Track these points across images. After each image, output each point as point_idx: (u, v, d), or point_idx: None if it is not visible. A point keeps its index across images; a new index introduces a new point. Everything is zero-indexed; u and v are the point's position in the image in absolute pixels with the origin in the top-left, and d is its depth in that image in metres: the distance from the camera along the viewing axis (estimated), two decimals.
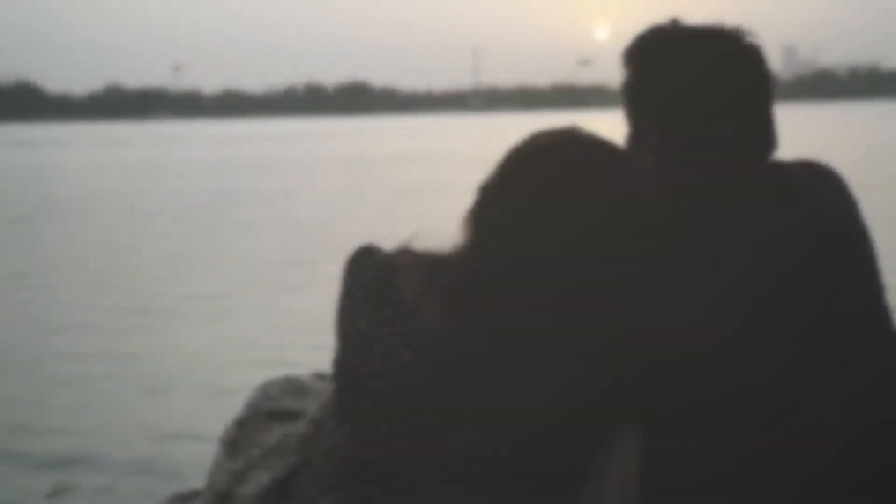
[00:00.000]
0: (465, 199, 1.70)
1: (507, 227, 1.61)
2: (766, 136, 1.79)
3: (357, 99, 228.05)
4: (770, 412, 1.66)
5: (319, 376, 2.23)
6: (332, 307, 1.70)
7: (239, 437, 2.02)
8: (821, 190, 1.77)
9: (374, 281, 1.67)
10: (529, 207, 1.61)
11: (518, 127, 1.75)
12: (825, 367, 1.68)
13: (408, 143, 54.46)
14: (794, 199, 1.72)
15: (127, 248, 13.68)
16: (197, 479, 2.07)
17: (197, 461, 3.68)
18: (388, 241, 1.72)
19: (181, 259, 12.56)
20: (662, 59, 1.78)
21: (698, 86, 1.74)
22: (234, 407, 2.05)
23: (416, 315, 1.64)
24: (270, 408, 2.04)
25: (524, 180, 1.62)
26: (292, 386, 2.11)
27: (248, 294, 9.89)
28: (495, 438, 1.62)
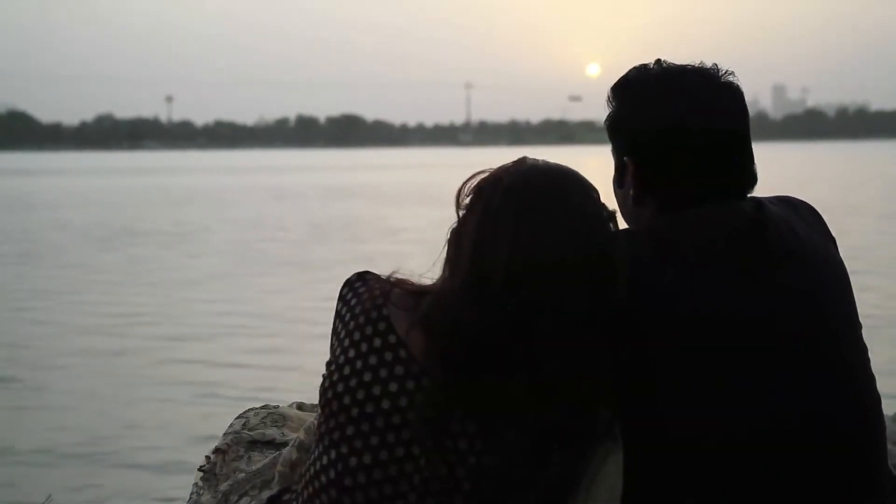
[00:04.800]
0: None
1: (498, 260, 1.60)
2: (745, 172, 1.79)
3: (349, 131, 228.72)
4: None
5: (299, 405, 2.23)
6: None
7: (218, 466, 2.01)
8: (798, 224, 1.77)
9: (366, 310, 1.66)
10: (519, 239, 1.60)
11: (505, 161, 1.74)
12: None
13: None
14: (773, 234, 1.73)
15: None
16: None
17: None
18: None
19: None
20: (643, 97, 1.81)
21: (676, 123, 1.76)
22: None
23: (403, 346, 1.63)
24: (250, 437, 2.03)
25: (513, 210, 1.62)
26: (272, 415, 2.10)
27: None
28: (476, 469, 1.62)
